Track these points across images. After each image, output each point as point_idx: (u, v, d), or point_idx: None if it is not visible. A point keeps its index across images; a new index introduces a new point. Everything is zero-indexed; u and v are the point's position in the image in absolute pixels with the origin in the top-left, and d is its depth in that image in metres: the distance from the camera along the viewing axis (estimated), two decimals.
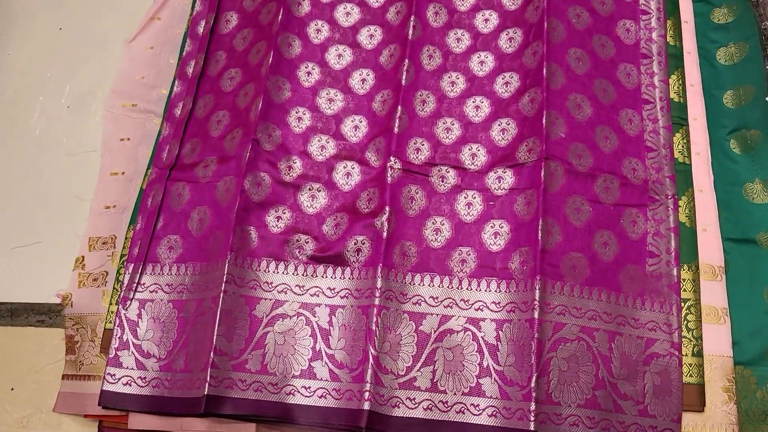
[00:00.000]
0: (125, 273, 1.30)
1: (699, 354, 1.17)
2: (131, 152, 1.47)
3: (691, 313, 1.20)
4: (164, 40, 1.59)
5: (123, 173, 1.45)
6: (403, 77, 1.35)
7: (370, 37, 1.47)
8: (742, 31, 1.43)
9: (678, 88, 1.39)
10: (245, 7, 1.55)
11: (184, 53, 1.53)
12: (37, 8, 1.72)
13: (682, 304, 1.20)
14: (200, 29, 1.55)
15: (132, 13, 1.65)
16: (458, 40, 1.45)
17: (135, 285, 1.28)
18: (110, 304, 1.31)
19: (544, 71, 1.31)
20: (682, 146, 1.34)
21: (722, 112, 1.38)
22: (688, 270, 1.23)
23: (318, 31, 1.47)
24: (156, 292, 1.28)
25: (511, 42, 1.42)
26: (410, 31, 1.40)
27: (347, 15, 1.50)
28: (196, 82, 1.48)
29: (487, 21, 1.46)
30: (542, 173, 1.22)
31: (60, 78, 1.62)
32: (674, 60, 1.42)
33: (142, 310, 1.27)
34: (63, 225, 1.44)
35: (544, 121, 1.26)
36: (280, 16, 1.43)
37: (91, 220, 1.41)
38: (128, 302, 1.27)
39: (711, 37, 1.46)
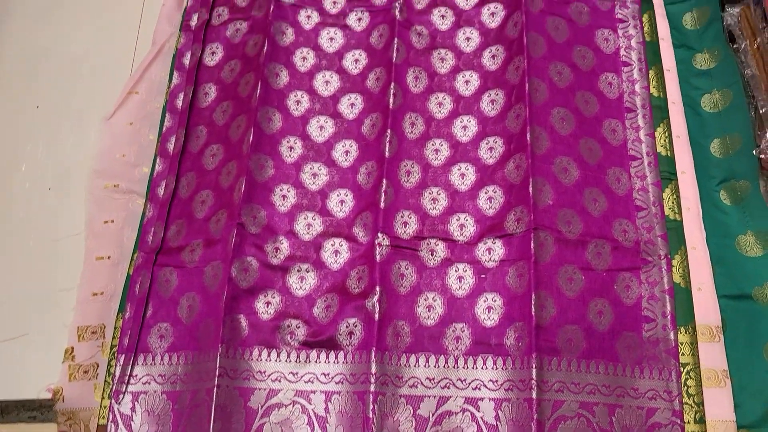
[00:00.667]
0: (116, 365, 1.28)
1: (701, 421, 1.16)
2: (116, 235, 1.45)
3: (690, 378, 1.18)
4: (143, 115, 1.57)
5: (109, 257, 1.43)
6: (387, 148, 1.34)
7: (350, 106, 1.45)
8: (724, 78, 1.41)
9: (665, 140, 1.38)
10: (223, 78, 1.53)
11: (164, 129, 1.52)
12: (12, 86, 1.69)
13: (682, 369, 1.19)
14: (179, 103, 1.53)
15: (109, 88, 1.62)
16: (440, 105, 1.43)
17: (127, 377, 1.26)
18: (102, 398, 1.29)
19: (528, 136, 1.29)
20: (672, 202, 1.32)
21: (710, 162, 1.37)
22: (686, 333, 1.21)
23: (298, 102, 1.45)
24: (149, 383, 1.26)
25: (493, 104, 1.40)
26: (391, 99, 1.38)
27: (326, 84, 1.48)
28: (177, 159, 1.46)
29: (467, 83, 1.45)
30: (532, 244, 1.21)
31: (40, 159, 1.59)
32: (659, 111, 1.41)
33: (136, 402, 1.25)
34: (50, 314, 1.41)
35: (530, 189, 1.25)
36: (258, 90, 1.41)
37: (79, 308, 1.39)
38: (121, 396, 1.25)
39: (694, 84, 1.44)
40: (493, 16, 1.49)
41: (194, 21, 1.62)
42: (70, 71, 1.69)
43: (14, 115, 1.65)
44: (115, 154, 1.53)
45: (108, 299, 1.38)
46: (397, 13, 1.48)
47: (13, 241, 1.51)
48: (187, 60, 1.58)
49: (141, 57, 1.65)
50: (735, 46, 1.40)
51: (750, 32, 1.35)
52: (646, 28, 1.49)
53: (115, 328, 1.34)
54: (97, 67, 1.68)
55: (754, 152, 1.29)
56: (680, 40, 1.49)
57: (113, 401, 1.25)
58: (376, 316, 1.20)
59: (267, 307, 1.26)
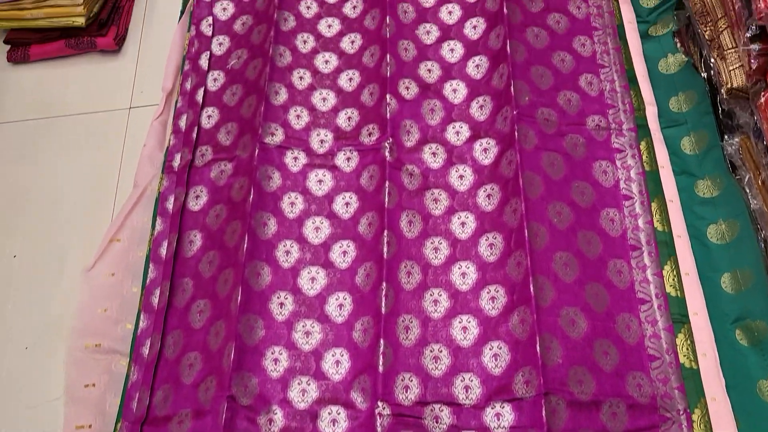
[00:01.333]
0: None
1: None
2: (98, 401, 1.36)
3: None
4: (125, 265, 1.49)
5: (90, 426, 1.34)
6: (383, 303, 1.27)
7: (343, 254, 1.39)
8: (729, 207, 1.36)
9: (673, 279, 1.31)
10: (209, 224, 1.47)
11: (147, 280, 1.44)
12: None
13: None
14: (163, 251, 1.46)
15: (90, 234, 1.56)
16: (436, 250, 1.36)
17: None
18: None
19: (531, 288, 1.23)
20: (687, 348, 1.25)
21: (723, 299, 1.30)
22: None
23: (287, 252, 1.39)
24: None
25: (492, 249, 1.34)
26: (385, 248, 1.32)
27: (317, 230, 1.42)
28: (163, 315, 1.38)
29: (464, 225, 1.39)
30: (543, 412, 1.13)
31: (16, 315, 1.51)
32: (665, 247, 1.35)
33: None
34: None
35: (538, 347, 1.17)
36: (245, 242, 1.34)
37: None
38: None
39: (699, 213, 1.39)
40: (486, 152, 1.44)
41: (177, 162, 1.56)
42: (49, 217, 1.63)
43: None
44: (96, 308, 1.45)
45: None
46: (386, 153, 1.43)
47: None
48: (170, 204, 1.51)
49: (122, 199, 1.59)
50: (738, 176, 1.35)
51: (753, 165, 1.30)
52: (644, 157, 1.44)
53: None
54: (77, 211, 1.63)
55: None
56: (680, 167, 1.44)
57: None
58: None
59: None
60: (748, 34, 1.23)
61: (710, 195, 1.40)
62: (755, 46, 1.22)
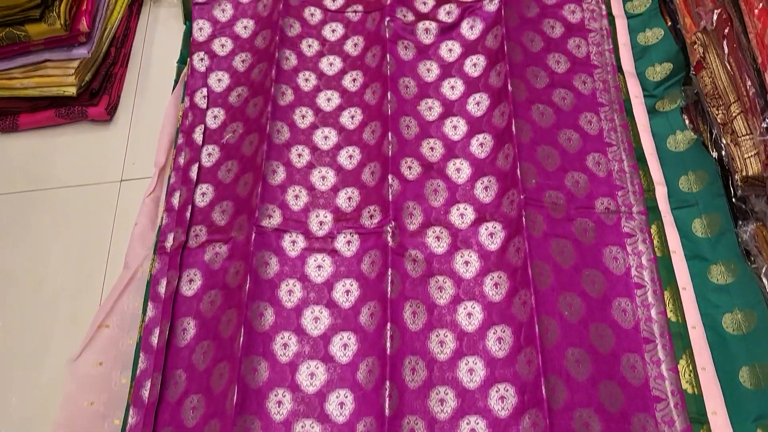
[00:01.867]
0: None
1: None
2: None
3: None
4: (114, 354, 1.42)
5: None
6: (386, 404, 1.20)
7: (343, 347, 1.32)
8: (746, 296, 1.30)
9: (689, 375, 1.25)
10: (203, 311, 1.40)
11: (137, 371, 1.37)
12: None
13: None
14: (154, 340, 1.39)
15: (77, 319, 1.49)
16: (441, 344, 1.30)
17: None
18: None
19: (543, 390, 1.17)
20: None
21: (742, 396, 1.24)
22: None
23: (285, 345, 1.33)
24: None
25: (500, 344, 1.28)
26: (388, 343, 1.26)
27: (315, 321, 1.36)
28: (153, 411, 1.31)
29: (470, 316, 1.33)
30: None
31: None
32: (679, 339, 1.29)
33: None
34: None
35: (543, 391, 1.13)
36: (241, 336, 1.28)
37: None
38: None
39: (713, 301, 1.33)
40: (492, 237, 1.39)
41: (170, 242, 1.50)
42: (34, 298, 1.56)
43: None
44: (81, 401, 1.37)
45: None
46: (389, 238, 1.37)
47: None
48: (162, 288, 1.45)
49: (112, 279, 1.52)
50: (754, 265, 1.30)
51: None
52: (655, 241, 1.39)
53: None
54: (63, 293, 1.56)
55: None
56: (692, 251, 1.39)
57: None
58: None
59: None
60: (765, 125, 1.18)
61: (724, 282, 1.35)
62: None
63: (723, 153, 1.38)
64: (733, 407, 1.23)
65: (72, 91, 1.73)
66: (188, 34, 1.83)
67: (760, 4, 1.21)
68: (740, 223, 1.34)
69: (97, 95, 1.77)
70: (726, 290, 1.34)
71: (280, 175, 1.50)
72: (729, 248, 1.36)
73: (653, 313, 1.31)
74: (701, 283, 1.36)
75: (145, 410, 1.32)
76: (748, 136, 1.27)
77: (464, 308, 1.34)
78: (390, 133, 1.49)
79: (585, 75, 1.59)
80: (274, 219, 1.44)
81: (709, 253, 1.38)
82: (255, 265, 1.37)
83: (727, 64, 1.32)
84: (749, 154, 1.26)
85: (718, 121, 1.34)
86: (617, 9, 1.71)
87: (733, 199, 1.37)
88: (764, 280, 1.28)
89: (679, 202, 1.45)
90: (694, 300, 1.34)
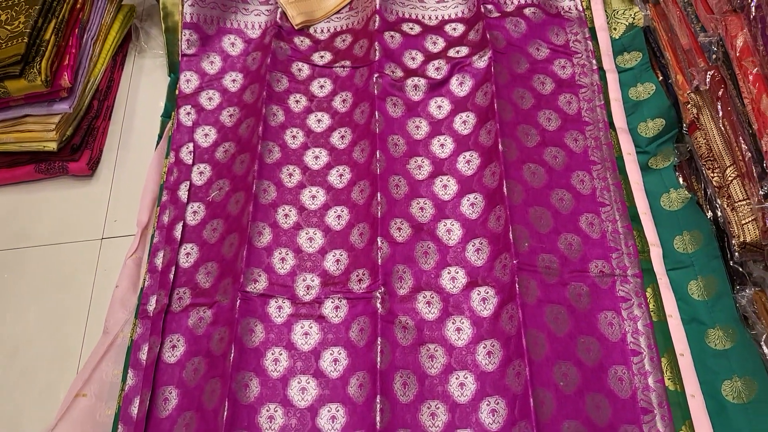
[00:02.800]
0: None
1: None
2: None
3: None
4: (92, 425, 1.36)
5: None
6: (378, 418, 1.20)
7: (332, 419, 1.27)
8: (746, 363, 1.26)
9: None
10: (185, 380, 1.35)
11: None
12: None
13: None
14: (134, 411, 1.34)
15: (52, 388, 1.43)
16: (433, 416, 1.25)
17: None
18: None
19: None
20: None
21: None
22: None
23: (270, 418, 1.28)
24: None
25: (494, 416, 1.24)
26: (378, 416, 1.21)
27: (302, 391, 1.30)
28: None
29: (462, 386, 1.28)
30: None
31: None
32: (678, 409, 1.25)
33: None
34: None
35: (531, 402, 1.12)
36: (226, 410, 1.23)
37: None
38: None
39: (712, 368, 1.29)
40: (484, 302, 1.35)
41: (152, 305, 1.45)
42: (7, 365, 1.50)
43: None
44: None
45: None
46: (378, 304, 1.33)
47: None
48: (144, 355, 1.40)
49: (91, 344, 1.48)
50: (753, 332, 1.27)
51: None
52: (651, 305, 1.36)
53: None
54: (39, 359, 1.50)
55: None
56: (689, 314, 1.35)
57: None
58: None
59: None
60: (762, 192, 1.16)
61: (723, 347, 1.31)
62: None
63: (718, 213, 1.36)
64: None
65: (53, 146, 1.69)
66: (173, 87, 1.80)
67: (755, 69, 1.19)
68: (737, 288, 1.30)
69: (79, 150, 1.74)
70: (725, 356, 1.30)
71: (266, 236, 1.46)
72: (727, 312, 1.32)
73: (650, 381, 1.27)
74: (700, 350, 1.32)
75: None
76: (744, 202, 1.24)
77: (456, 378, 1.29)
78: (379, 194, 1.45)
79: (576, 132, 1.57)
80: (260, 284, 1.40)
81: (706, 317, 1.35)
82: (240, 333, 1.32)
83: (722, 127, 1.30)
84: (746, 220, 1.24)
85: (714, 183, 1.32)
86: (608, 63, 1.69)
87: (731, 262, 1.34)
88: (764, 347, 1.25)
89: (674, 263, 1.42)
90: (692, 367, 1.30)
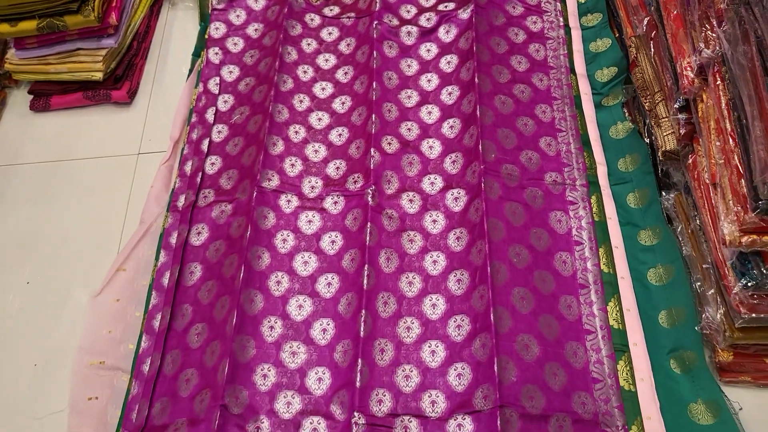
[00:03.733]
0: None
1: None
2: (100, 413, 1.49)
3: None
4: (130, 293, 1.65)
5: None
6: (362, 328, 1.43)
7: (327, 285, 1.56)
8: (666, 254, 1.55)
9: (616, 314, 1.50)
10: (208, 258, 1.64)
11: (150, 306, 1.60)
12: (3, 262, 1.78)
13: None
14: (165, 281, 1.63)
15: (97, 266, 1.72)
16: (410, 284, 1.55)
17: None
18: None
19: (492, 317, 1.40)
20: (626, 373, 1.42)
21: (659, 333, 1.48)
22: None
23: (278, 282, 1.56)
24: None
25: (459, 284, 1.52)
26: (365, 281, 1.49)
27: (305, 264, 1.59)
28: (163, 337, 1.53)
29: (435, 263, 1.57)
30: (498, 422, 1.29)
31: (27, 335, 1.66)
32: (610, 287, 1.53)
33: None
34: None
35: (495, 367, 1.34)
36: (242, 273, 1.52)
37: None
38: None
39: (640, 259, 1.59)
40: (456, 200, 1.64)
41: (181, 202, 1.74)
42: (60, 250, 1.79)
43: (5, 292, 1.73)
44: (101, 330, 1.60)
45: None
46: (369, 199, 1.62)
47: None
48: (173, 239, 1.69)
49: (129, 235, 1.76)
50: (673, 228, 1.56)
51: (684, 218, 1.51)
52: (594, 209, 1.64)
53: None
54: (86, 246, 1.79)
55: (696, 328, 1.41)
56: (625, 218, 1.64)
57: None
58: None
59: None
60: (676, 105, 1.45)
61: (650, 243, 1.60)
62: (682, 116, 1.45)
63: (653, 138, 1.65)
64: (651, 341, 1.47)
65: (99, 76, 1.99)
66: (203, 32, 2.11)
67: (675, 11, 1.49)
68: (664, 193, 1.59)
69: (121, 81, 2.04)
70: (651, 250, 1.59)
71: (279, 147, 1.76)
72: (655, 216, 1.62)
73: (589, 264, 1.56)
74: (632, 245, 1.62)
75: (155, 336, 1.55)
76: (666, 119, 1.54)
77: (430, 257, 1.58)
78: (374, 115, 1.75)
79: (542, 74, 1.87)
80: (273, 182, 1.69)
81: (639, 220, 1.64)
82: (255, 218, 1.61)
83: (653, 61, 1.59)
84: (667, 132, 1.53)
85: (646, 107, 1.62)
86: (573, 22, 2.00)
87: (660, 174, 1.63)
88: (680, 238, 1.53)
89: (616, 179, 1.71)
90: (625, 257, 1.59)
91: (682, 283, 1.51)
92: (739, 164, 1.19)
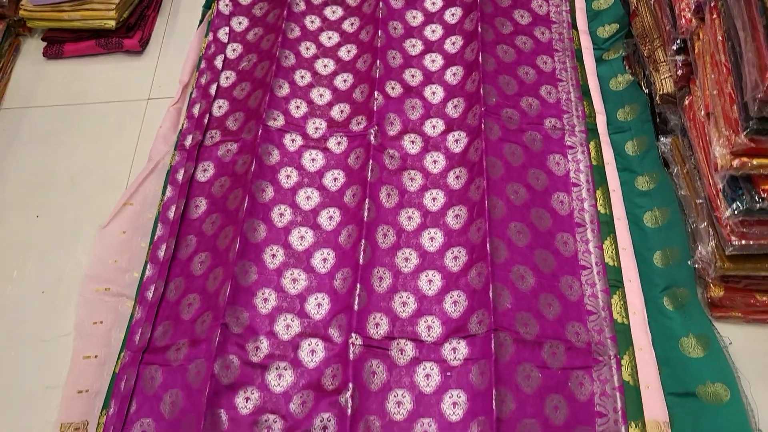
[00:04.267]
0: None
1: None
2: (104, 335, 1.53)
3: None
4: (136, 225, 1.69)
5: (96, 357, 1.51)
6: (361, 256, 1.47)
7: (329, 218, 1.60)
8: (663, 198, 1.59)
9: (612, 252, 1.53)
10: (213, 193, 1.68)
11: (155, 238, 1.64)
12: (15, 197, 1.83)
13: None
14: (170, 214, 1.67)
15: (106, 200, 1.76)
16: (409, 219, 1.58)
17: None
18: None
19: (488, 247, 1.44)
20: (620, 307, 1.45)
21: (653, 272, 1.51)
22: (636, 427, 1.31)
23: (281, 215, 1.60)
24: None
25: (457, 218, 1.56)
26: (365, 213, 1.53)
27: (308, 199, 1.63)
28: (167, 266, 1.57)
29: (434, 200, 1.61)
30: (492, 345, 1.32)
31: (36, 264, 1.70)
32: (606, 226, 1.57)
33: None
34: (35, 411, 1.47)
35: (490, 294, 1.38)
36: (245, 203, 1.55)
37: (63, 405, 1.44)
38: None
39: (637, 203, 1.62)
40: (457, 142, 1.68)
41: (188, 141, 1.78)
42: (70, 185, 1.84)
43: (16, 224, 1.77)
44: (107, 260, 1.64)
45: (93, 396, 1.45)
46: (372, 138, 1.66)
47: (3, 341, 1.58)
48: (180, 176, 1.73)
49: (137, 173, 1.80)
50: (670, 171, 1.59)
51: (680, 159, 1.54)
52: (592, 154, 1.67)
53: (98, 424, 1.40)
54: (95, 184, 1.83)
55: (689, 263, 1.44)
56: (623, 164, 1.68)
57: None
58: (349, 411, 1.29)
59: (246, 402, 1.34)
60: (674, 47, 1.49)
61: (647, 188, 1.63)
62: (680, 58, 1.48)
63: (651, 89, 1.68)
64: (646, 279, 1.50)
65: (112, 24, 2.04)
66: None
67: None
68: (660, 137, 1.62)
69: (133, 30, 2.09)
70: (648, 195, 1.62)
71: (285, 89, 1.80)
72: (653, 162, 1.65)
73: (586, 205, 1.60)
74: (629, 190, 1.65)
75: (160, 265, 1.59)
76: (664, 63, 1.57)
77: (430, 194, 1.62)
78: (378, 61, 1.79)
79: (544, 28, 1.91)
80: (278, 121, 1.73)
81: (636, 166, 1.67)
82: (260, 154, 1.65)
83: (653, 9, 1.63)
84: (665, 76, 1.56)
85: (645, 54, 1.65)
86: None
87: (657, 121, 1.66)
88: (676, 180, 1.56)
89: (615, 128, 1.74)
90: (621, 200, 1.62)
91: (677, 225, 1.53)
92: (732, 91, 1.22)
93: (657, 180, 1.62)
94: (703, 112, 1.36)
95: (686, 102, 1.49)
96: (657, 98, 1.60)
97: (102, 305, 1.58)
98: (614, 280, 1.49)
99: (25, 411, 1.48)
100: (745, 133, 1.16)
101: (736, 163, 1.21)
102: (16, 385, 1.52)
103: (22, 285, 1.67)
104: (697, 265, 1.43)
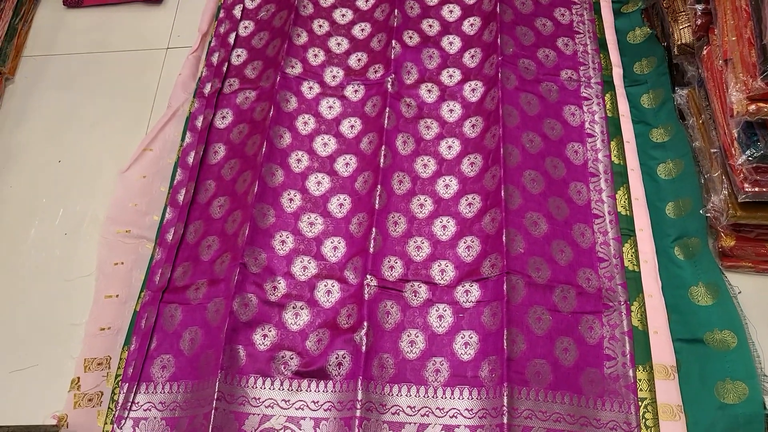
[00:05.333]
0: (120, 393, 1.38)
1: None
2: (125, 276, 1.58)
3: (648, 411, 1.30)
4: (156, 169, 1.73)
5: (117, 296, 1.55)
6: (377, 201, 1.49)
7: (345, 165, 1.62)
8: (677, 150, 1.59)
9: (624, 202, 1.54)
10: (232, 139, 1.70)
11: (175, 182, 1.67)
12: (37, 142, 1.86)
13: (640, 403, 1.30)
14: (190, 159, 1.70)
15: (126, 145, 1.78)
16: (425, 166, 1.60)
17: (129, 404, 1.36)
18: (105, 423, 1.38)
19: (503, 193, 1.46)
20: (632, 255, 1.47)
21: (666, 222, 1.53)
22: (643, 370, 1.34)
23: (299, 160, 1.62)
24: (149, 410, 1.36)
25: (472, 166, 1.57)
26: (381, 160, 1.55)
27: (325, 145, 1.65)
28: (187, 209, 1.61)
29: (450, 147, 1.62)
30: (505, 287, 1.35)
31: (58, 207, 1.74)
32: (619, 177, 1.58)
33: (136, 428, 1.34)
34: (59, 348, 1.52)
35: (504, 238, 1.40)
36: (264, 149, 1.58)
37: (86, 341, 1.49)
38: (123, 421, 1.34)
39: (651, 155, 1.62)
40: (473, 91, 1.69)
41: (207, 89, 1.80)
42: (92, 130, 1.87)
43: (38, 168, 1.81)
44: (128, 203, 1.67)
45: (115, 333, 1.50)
46: (389, 86, 1.67)
47: (28, 281, 1.63)
48: (199, 122, 1.75)
49: (157, 119, 1.82)
50: (685, 123, 1.59)
51: (696, 110, 1.54)
52: (608, 106, 1.68)
53: (120, 359, 1.45)
54: (115, 129, 1.86)
55: (701, 211, 1.45)
56: (638, 117, 1.68)
57: (115, 426, 1.35)
58: (363, 348, 1.32)
59: (264, 339, 1.38)
60: None
61: (662, 140, 1.64)
62: (699, 6, 1.48)
63: (670, 41, 1.68)
64: (658, 229, 1.52)
65: None
66: None
67: None
68: (677, 89, 1.62)
69: None
70: (662, 147, 1.63)
71: (303, 38, 1.81)
72: (668, 114, 1.65)
73: (600, 155, 1.61)
74: (643, 142, 1.65)
75: (179, 209, 1.62)
76: (683, 13, 1.57)
77: (446, 143, 1.64)
78: (396, 10, 1.79)
79: None
80: (296, 69, 1.75)
81: (652, 119, 1.68)
82: (278, 100, 1.67)
83: None
84: (683, 26, 1.56)
85: (664, 5, 1.64)
86: None
87: (674, 72, 1.66)
88: (691, 132, 1.57)
89: (631, 81, 1.74)
90: (635, 151, 1.63)
91: (690, 176, 1.54)
92: (751, 35, 1.22)
93: (672, 132, 1.63)
94: (720, 60, 1.36)
95: (704, 52, 1.49)
96: (675, 49, 1.60)
97: (123, 247, 1.61)
98: (626, 229, 1.50)
99: (51, 346, 1.53)
100: (762, 76, 1.16)
101: (752, 108, 1.21)
102: (42, 323, 1.57)
103: (45, 227, 1.71)
104: (709, 214, 1.45)
